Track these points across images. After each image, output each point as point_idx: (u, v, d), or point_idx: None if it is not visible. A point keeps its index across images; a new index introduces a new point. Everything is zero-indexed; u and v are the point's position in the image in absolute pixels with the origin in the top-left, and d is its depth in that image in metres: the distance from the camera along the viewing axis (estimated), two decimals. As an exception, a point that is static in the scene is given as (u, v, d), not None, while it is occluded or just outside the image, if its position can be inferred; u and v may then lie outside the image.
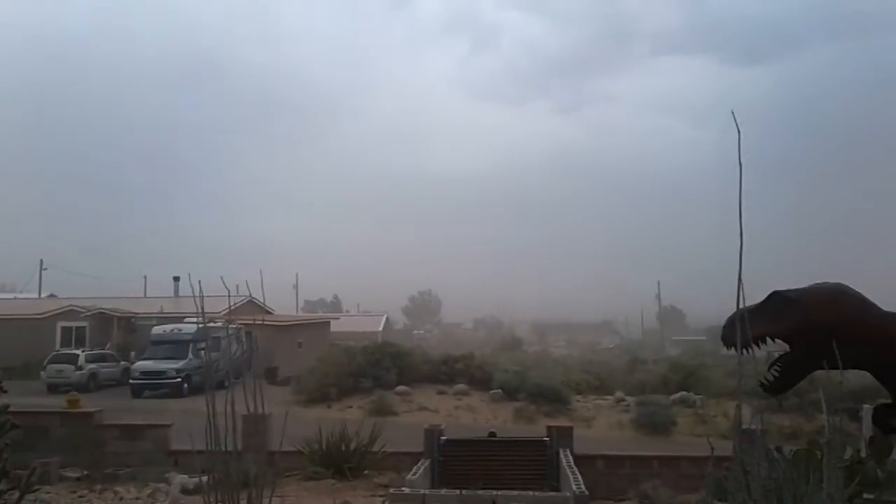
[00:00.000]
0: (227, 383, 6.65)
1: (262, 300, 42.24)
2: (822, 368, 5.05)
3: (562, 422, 19.62)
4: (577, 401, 26.62)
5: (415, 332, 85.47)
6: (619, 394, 26.90)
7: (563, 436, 13.15)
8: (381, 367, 28.32)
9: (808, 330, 5.13)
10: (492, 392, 26.80)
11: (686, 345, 56.75)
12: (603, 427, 23.80)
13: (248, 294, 7.61)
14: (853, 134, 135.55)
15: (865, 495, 5.09)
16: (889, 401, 5.55)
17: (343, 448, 13.60)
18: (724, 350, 5.58)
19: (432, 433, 13.64)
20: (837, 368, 5.45)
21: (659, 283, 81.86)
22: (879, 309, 5.41)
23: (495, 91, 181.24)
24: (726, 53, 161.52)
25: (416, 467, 12.25)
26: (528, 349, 59.87)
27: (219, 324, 21.67)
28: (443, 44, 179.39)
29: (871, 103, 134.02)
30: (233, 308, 8.60)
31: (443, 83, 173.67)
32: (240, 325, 28.19)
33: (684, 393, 25.11)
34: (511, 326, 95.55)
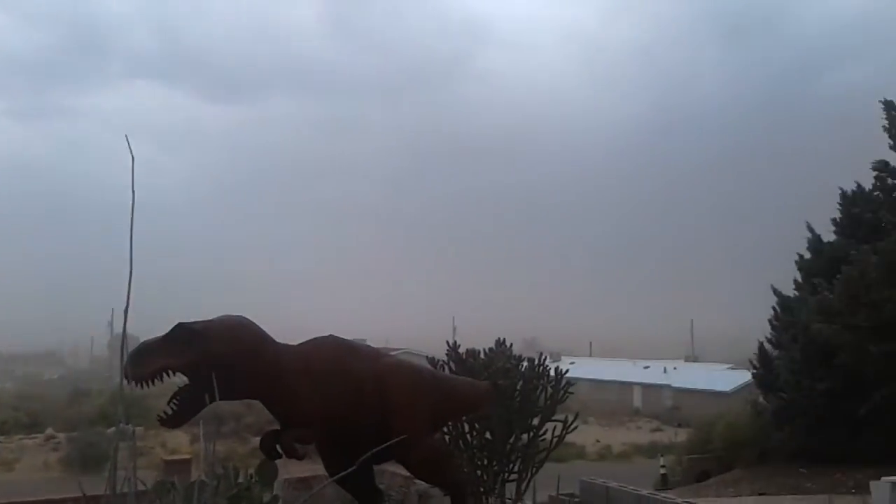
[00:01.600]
0: None
1: None
2: (222, 399, 5.20)
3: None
4: (0, 443, 23.41)
5: None
6: (49, 430, 24.49)
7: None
8: None
9: (208, 362, 5.24)
10: None
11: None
12: (27, 469, 21.29)
13: None
14: (311, 178, 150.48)
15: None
16: (277, 427, 6.00)
17: None
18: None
19: None
20: (230, 399, 5.71)
21: (113, 310, 77.59)
22: (275, 343, 5.84)
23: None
24: (198, 87, 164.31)
25: None
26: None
27: None
28: None
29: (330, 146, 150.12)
30: None
31: None
32: None
33: (123, 425, 24.04)
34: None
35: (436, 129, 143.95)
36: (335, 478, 5.38)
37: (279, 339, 5.93)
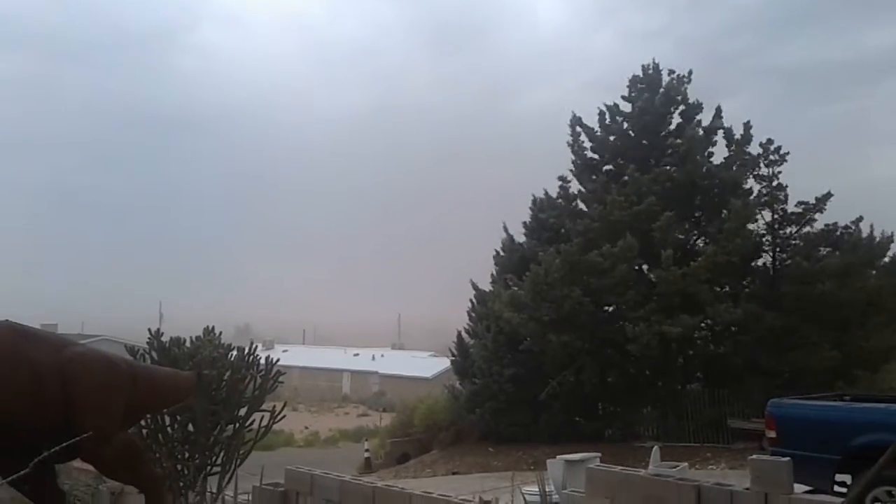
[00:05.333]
0: None
1: None
2: None
3: None
4: None
5: None
6: None
7: None
8: None
9: None
10: None
11: None
12: None
13: None
14: None
15: None
16: None
17: None
18: None
19: None
20: None
21: None
22: None
23: None
24: None
25: None
26: None
27: None
28: None
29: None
30: None
31: None
32: None
33: None
34: None
35: (142, 99, 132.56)
36: (8, 480, 4.79)
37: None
